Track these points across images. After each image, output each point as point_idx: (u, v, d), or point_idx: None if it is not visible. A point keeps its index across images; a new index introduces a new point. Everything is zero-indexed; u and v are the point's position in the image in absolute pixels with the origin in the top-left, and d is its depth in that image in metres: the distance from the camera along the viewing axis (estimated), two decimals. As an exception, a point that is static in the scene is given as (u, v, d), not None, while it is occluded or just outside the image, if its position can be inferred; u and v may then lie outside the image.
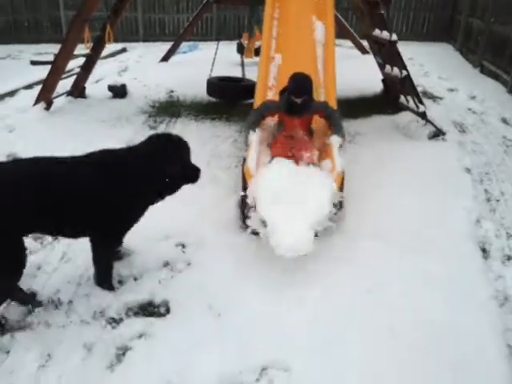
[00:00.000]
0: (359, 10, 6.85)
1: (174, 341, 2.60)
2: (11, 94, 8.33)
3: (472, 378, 2.41)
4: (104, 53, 8.46)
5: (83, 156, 2.90)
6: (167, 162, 2.90)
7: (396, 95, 6.52)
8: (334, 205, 3.42)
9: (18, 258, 2.62)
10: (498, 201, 4.29)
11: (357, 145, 5.58)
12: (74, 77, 7.83)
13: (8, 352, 2.56)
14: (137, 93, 8.11)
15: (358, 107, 6.79)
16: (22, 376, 2.41)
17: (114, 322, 2.79)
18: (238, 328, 2.64)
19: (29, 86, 8.71)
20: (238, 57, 8.80)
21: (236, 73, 7.82)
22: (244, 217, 3.80)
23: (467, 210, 4.05)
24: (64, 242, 3.44)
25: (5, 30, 15.57)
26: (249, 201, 3.42)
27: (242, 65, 7.82)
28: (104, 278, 3.05)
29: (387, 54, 6.23)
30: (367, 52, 10.50)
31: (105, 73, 9.69)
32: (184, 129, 6.16)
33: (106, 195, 2.78)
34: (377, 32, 5.98)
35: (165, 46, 11.68)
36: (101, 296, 2.96)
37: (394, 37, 5.65)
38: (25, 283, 3.08)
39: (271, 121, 4.30)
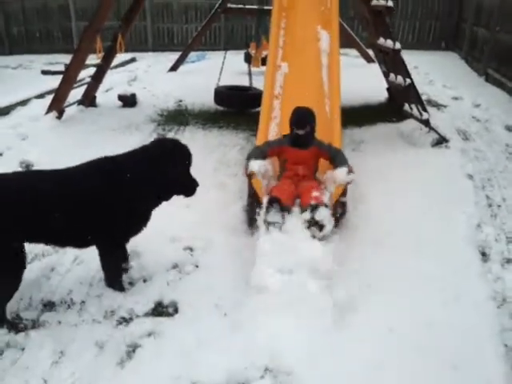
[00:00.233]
0: (364, 19, 6.97)
1: (182, 339, 2.71)
2: (23, 103, 8.49)
3: (470, 377, 2.48)
4: (114, 63, 8.64)
5: (83, 164, 3.00)
6: (170, 165, 2.98)
7: (400, 103, 6.61)
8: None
9: (19, 263, 2.77)
10: (499, 206, 4.37)
11: (361, 152, 5.67)
12: (85, 86, 8.02)
13: (23, 349, 2.69)
14: (146, 102, 8.28)
15: (363, 115, 6.89)
16: (37, 372, 2.53)
17: (125, 321, 2.91)
18: (243, 327, 2.74)
19: (40, 96, 8.89)
20: (245, 66, 8.95)
21: (243, 82, 7.97)
22: (250, 221, 3.93)
23: (468, 215, 4.13)
24: (76, 246, 3.56)
25: (17, 40, 15.88)
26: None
27: (250, 74, 7.96)
28: (114, 280, 3.17)
29: (391, 63, 6.34)
30: (373, 61, 10.61)
31: (115, 82, 9.86)
32: (192, 137, 6.28)
33: (106, 201, 2.88)
34: (381, 41, 6.08)
35: (173, 56, 11.87)
36: (112, 297, 3.08)
37: (398, 45, 5.76)
38: (38, 284, 3.23)
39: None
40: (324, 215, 3.41)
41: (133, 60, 13.62)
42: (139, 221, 3.11)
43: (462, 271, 3.36)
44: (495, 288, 3.23)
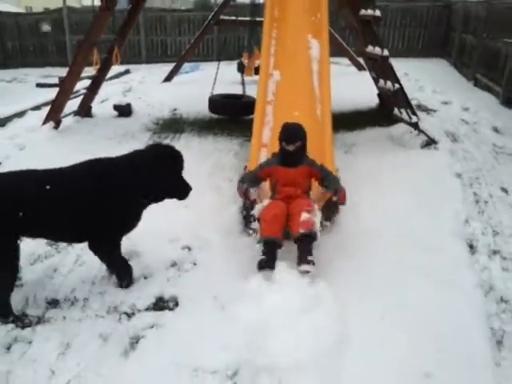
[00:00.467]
0: (354, 28, 7.18)
1: (183, 330, 2.82)
2: (19, 114, 8.60)
3: (457, 356, 2.61)
4: (108, 75, 8.79)
5: (76, 165, 3.11)
6: (163, 168, 3.04)
7: (390, 107, 6.80)
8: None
9: (13, 256, 2.89)
10: (486, 203, 4.52)
11: (353, 155, 5.82)
12: (81, 97, 8.16)
13: (30, 342, 2.79)
14: (141, 111, 8.42)
15: (354, 120, 7.08)
16: (44, 363, 2.63)
17: (127, 315, 3.01)
18: (240, 319, 2.85)
19: (36, 108, 9.00)
20: (238, 76, 9.14)
21: (236, 91, 8.14)
22: (246, 222, 4.05)
23: (456, 210, 4.28)
24: (78, 247, 3.67)
25: (11, 54, 16.05)
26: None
27: (243, 83, 8.15)
28: (123, 276, 3.24)
29: (380, 69, 6.54)
30: (364, 69, 10.82)
31: (110, 93, 10.00)
32: (187, 144, 6.43)
33: (96, 201, 2.96)
34: (370, 48, 6.28)
35: (167, 68, 12.06)
36: (114, 293, 3.19)
37: (386, 52, 5.96)
38: (42, 284, 3.33)
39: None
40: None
41: (127, 72, 13.80)
42: (129, 220, 3.19)
43: (450, 262, 3.50)
44: (482, 277, 3.37)
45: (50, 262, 3.58)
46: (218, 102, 7.54)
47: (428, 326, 2.83)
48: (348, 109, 7.62)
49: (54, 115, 7.33)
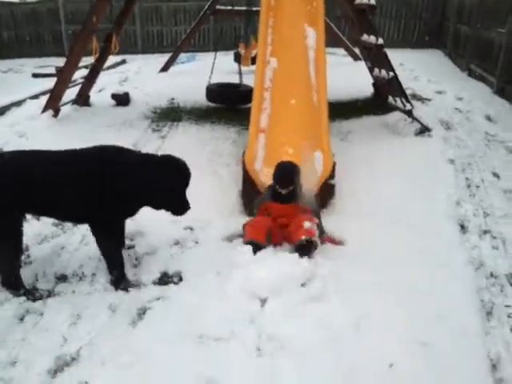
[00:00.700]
0: (349, 17, 7.28)
1: (188, 301, 2.97)
2: (18, 103, 8.64)
3: (450, 326, 2.76)
4: (105, 64, 8.84)
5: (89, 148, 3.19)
6: (171, 182, 3.11)
7: (385, 96, 6.92)
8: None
9: (19, 230, 3.03)
10: (478, 187, 4.67)
11: (348, 142, 5.95)
12: (79, 86, 8.22)
13: (41, 314, 2.92)
14: (139, 100, 8.47)
15: (350, 109, 7.20)
16: (56, 332, 2.77)
17: (134, 289, 3.15)
18: (243, 289, 3.00)
19: (35, 97, 9.03)
20: (234, 66, 9.20)
21: (233, 80, 8.21)
22: (245, 204, 4.19)
23: (449, 194, 4.44)
24: (82, 228, 3.78)
25: (7, 44, 16.01)
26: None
27: (240, 72, 8.22)
28: (113, 265, 3.20)
29: (375, 58, 6.65)
30: (359, 59, 10.92)
31: (106, 83, 10.01)
32: (185, 132, 6.53)
33: (99, 189, 3.02)
34: (365, 37, 6.39)
35: (163, 58, 12.10)
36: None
37: (381, 41, 6.08)
38: (50, 261, 3.46)
39: None
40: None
41: (123, 62, 13.83)
42: (124, 210, 3.26)
43: (442, 242, 3.65)
44: (473, 255, 3.53)
45: (57, 242, 3.71)
46: (216, 91, 7.63)
47: (423, 301, 2.96)
48: (344, 98, 7.72)
49: (53, 104, 7.39)
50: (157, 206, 3.25)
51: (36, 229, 3.77)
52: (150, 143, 6.08)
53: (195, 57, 13.73)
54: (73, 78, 8.02)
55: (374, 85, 8.02)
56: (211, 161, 5.41)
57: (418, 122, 6.11)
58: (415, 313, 2.84)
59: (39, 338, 2.72)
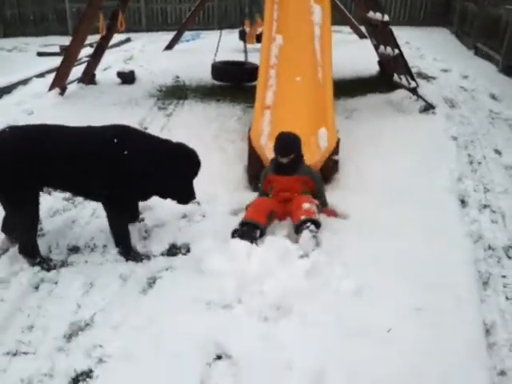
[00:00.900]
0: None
1: (196, 271, 3.09)
2: (24, 82, 8.67)
3: (446, 294, 2.86)
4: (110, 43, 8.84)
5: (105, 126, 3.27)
6: (182, 172, 3.19)
7: (390, 73, 6.93)
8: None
9: (36, 201, 3.14)
10: (479, 163, 4.75)
11: (354, 120, 5.99)
12: (84, 65, 8.25)
13: (56, 283, 3.06)
14: (144, 79, 8.49)
15: (355, 87, 7.20)
16: (71, 299, 2.90)
17: (144, 260, 3.28)
18: (248, 259, 3.12)
19: (40, 75, 9.05)
20: (239, 44, 9.20)
21: (239, 59, 8.23)
22: (251, 179, 4.29)
23: (450, 170, 4.52)
24: (93, 202, 3.88)
25: (11, 23, 15.94)
26: None
27: (245, 50, 8.23)
28: (120, 241, 3.33)
29: (380, 35, 6.65)
30: (365, 37, 10.86)
31: (111, 62, 10.02)
32: (191, 109, 6.59)
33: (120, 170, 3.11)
34: (371, 14, 6.39)
35: (167, 36, 12.05)
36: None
37: (386, 18, 6.08)
38: (62, 233, 3.58)
39: None
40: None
41: (128, 40, 13.78)
42: (135, 194, 3.36)
43: (443, 215, 3.75)
44: (472, 228, 3.64)
45: (68, 215, 3.84)
46: (221, 69, 7.65)
47: (421, 270, 3.07)
48: (349, 76, 7.74)
49: (60, 82, 7.44)
50: (163, 193, 3.34)
51: (48, 203, 3.88)
52: (156, 121, 6.16)
53: (200, 35, 13.68)
54: (78, 57, 8.06)
55: (379, 63, 8.02)
56: (217, 137, 5.48)
57: (423, 99, 6.15)
58: (414, 282, 2.94)
59: (54, 305, 2.86)
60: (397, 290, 2.86)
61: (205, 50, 8.93)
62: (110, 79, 8.43)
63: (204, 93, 7.42)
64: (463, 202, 4.01)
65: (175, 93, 7.50)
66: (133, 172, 3.11)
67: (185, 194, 3.32)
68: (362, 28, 10.75)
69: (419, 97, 6.19)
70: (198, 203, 3.97)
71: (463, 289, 2.91)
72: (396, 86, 6.78)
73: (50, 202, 3.94)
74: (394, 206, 3.83)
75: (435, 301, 2.79)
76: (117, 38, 11.88)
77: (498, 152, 5.01)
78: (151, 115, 6.50)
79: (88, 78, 8.14)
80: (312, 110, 4.66)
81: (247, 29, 9.73)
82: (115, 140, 3.12)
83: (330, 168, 4.32)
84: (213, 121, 6.07)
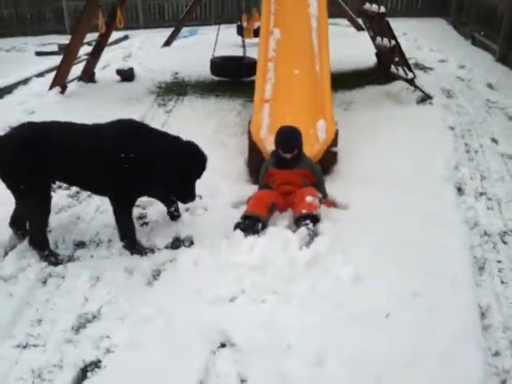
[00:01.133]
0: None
1: (200, 262, 3.18)
2: (24, 82, 8.71)
3: (442, 279, 2.94)
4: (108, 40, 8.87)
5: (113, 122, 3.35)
6: (188, 171, 3.27)
7: (387, 65, 6.98)
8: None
9: (47, 194, 3.28)
10: (476, 152, 4.82)
11: (351, 111, 6.07)
12: (83, 63, 8.30)
13: (63, 277, 3.15)
14: (143, 76, 8.52)
15: (353, 79, 7.27)
16: (78, 293, 3.00)
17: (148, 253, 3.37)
18: (250, 250, 3.20)
19: (40, 74, 9.09)
20: (237, 39, 9.22)
21: (237, 53, 8.26)
22: (251, 172, 4.36)
23: (447, 158, 4.59)
24: (97, 198, 4.00)
25: (8, 22, 15.94)
26: None
27: (243, 44, 8.26)
28: (125, 235, 3.40)
29: (377, 27, 6.69)
30: (362, 29, 10.88)
31: (110, 59, 10.05)
32: (191, 105, 6.67)
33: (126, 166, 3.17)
34: (367, 5, 6.43)
35: (165, 33, 12.06)
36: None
37: (383, 9, 6.13)
38: (68, 229, 3.66)
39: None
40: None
41: (125, 38, 13.80)
42: (142, 190, 3.43)
43: (439, 203, 3.82)
44: (468, 215, 3.72)
45: (73, 211, 3.93)
46: (220, 64, 7.70)
47: (417, 256, 3.15)
48: (347, 68, 7.79)
49: (60, 80, 7.49)
50: (167, 189, 3.44)
51: (53, 200, 3.93)
52: (157, 117, 6.23)
53: (197, 31, 13.69)
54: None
55: (376, 54, 8.06)
56: (217, 132, 5.55)
57: (420, 90, 6.20)
58: (412, 268, 3.02)
59: (62, 298, 2.95)
60: (395, 276, 2.94)
61: (203, 46, 8.99)
62: (109, 77, 8.47)
63: (203, 88, 7.48)
64: (460, 190, 4.09)
65: (175, 89, 7.57)
66: (144, 167, 3.18)
67: (187, 194, 3.41)
68: (360, 20, 10.78)
69: (416, 87, 6.24)
70: (200, 197, 4.05)
71: (460, 274, 2.98)
72: (393, 78, 6.83)
73: (55, 199, 3.96)
74: (393, 194, 3.90)
75: (433, 286, 2.87)
76: (115, 35, 11.87)
77: (494, 140, 5.07)
78: (152, 112, 6.58)
79: (88, 76, 8.18)
80: (310, 103, 4.72)
81: (245, 23, 9.74)
82: (128, 136, 3.22)
83: (328, 159, 4.39)
84: (213, 116, 6.14)
